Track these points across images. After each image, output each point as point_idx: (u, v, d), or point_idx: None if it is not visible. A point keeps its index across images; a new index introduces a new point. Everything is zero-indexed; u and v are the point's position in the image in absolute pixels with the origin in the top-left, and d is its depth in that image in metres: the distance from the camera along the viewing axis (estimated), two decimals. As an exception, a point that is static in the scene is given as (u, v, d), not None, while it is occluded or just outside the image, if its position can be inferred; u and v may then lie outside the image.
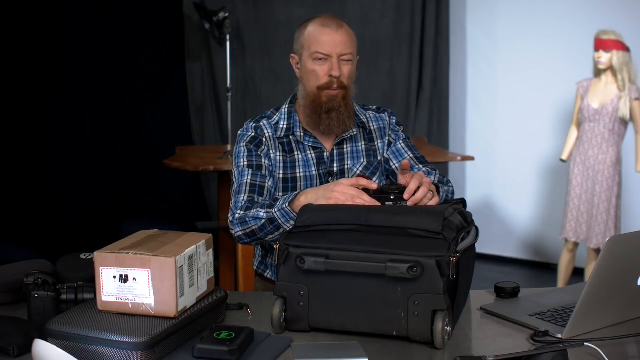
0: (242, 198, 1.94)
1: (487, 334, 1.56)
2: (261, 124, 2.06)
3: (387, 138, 2.12)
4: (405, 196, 1.68)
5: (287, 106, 2.09)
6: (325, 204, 1.70)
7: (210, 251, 1.57)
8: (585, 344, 1.41)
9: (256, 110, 5.05)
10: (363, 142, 2.09)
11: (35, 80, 4.53)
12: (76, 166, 4.76)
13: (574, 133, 4.37)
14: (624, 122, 4.15)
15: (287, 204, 1.82)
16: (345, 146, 2.07)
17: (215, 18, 4.72)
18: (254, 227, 1.89)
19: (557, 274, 4.46)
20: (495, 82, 5.39)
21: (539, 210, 5.27)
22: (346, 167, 2.06)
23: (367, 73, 5.26)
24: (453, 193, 2.08)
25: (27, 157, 4.57)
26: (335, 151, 2.06)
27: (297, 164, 2.03)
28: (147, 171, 4.85)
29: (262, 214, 1.87)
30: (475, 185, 5.56)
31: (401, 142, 2.12)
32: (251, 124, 2.06)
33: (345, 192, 1.73)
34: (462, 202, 1.75)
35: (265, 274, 2.10)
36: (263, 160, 2.00)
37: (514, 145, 5.31)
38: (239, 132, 2.07)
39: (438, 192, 1.83)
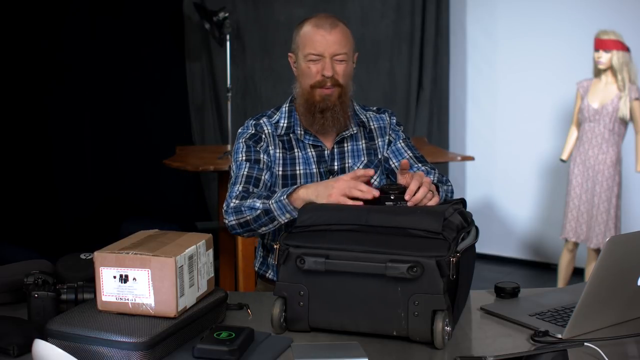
0: (237, 188, 1.95)
1: (487, 334, 1.56)
2: (261, 121, 2.07)
3: (387, 137, 2.12)
4: (407, 197, 1.68)
5: (287, 105, 2.10)
6: (326, 204, 1.70)
7: (210, 251, 1.57)
8: (585, 344, 1.41)
9: (256, 110, 5.04)
10: (363, 141, 2.09)
11: (35, 80, 4.53)
12: (76, 166, 4.76)
13: (574, 133, 4.37)
14: (624, 122, 4.15)
15: (284, 197, 1.81)
16: (345, 144, 2.07)
17: (215, 18, 4.72)
18: (248, 217, 1.88)
19: (557, 274, 4.46)
20: (495, 82, 5.39)
21: (539, 210, 5.27)
22: (347, 165, 2.06)
23: (367, 73, 5.25)
24: (452, 192, 2.08)
25: (27, 157, 4.56)
26: (335, 149, 2.06)
27: (297, 161, 2.03)
28: (147, 171, 4.84)
29: (258, 204, 1.86)
30: (475, 185, 5.56)
31: (401, 141, 2.12)
32: (251, 122, 2.07)
33: (344, 187, 1.72)
34: (462, 202, 1.75)
35: (267, 275, 2.10)
36: (261, 156, 2.01)
37: (514, 145, 5.31)
38: (239, 131, 2.08)
39: (438, 191, 1.83)
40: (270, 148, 2.03)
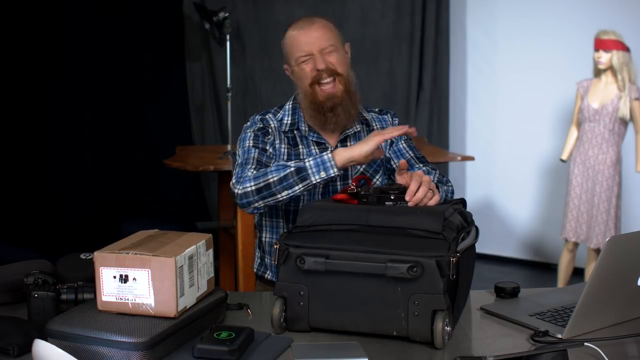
0: (249, 166, 1.91)
1: (487, 334, 1.56)
2: (267, 116, 2.08)
3: None
4: (407, 197, 1.68)
5: (290, 103, 2.10)
6: (326, 204, 1.70)
7: (210, 251, 1.57)
8: (585, 344, 1.41)
9: (256, 110, 4.99)
10: None
11: (35, 80, 4.53)
12: (76, 166, 4.76)
13: (574, 133, 4.37)
14: (624, 122, 4.15)
15: (327, 153, 1.82)
16: (349, 143, 2.07)
17: (215, 18, 4.72)
18: (272, 179, 1.82)
19: (557, 274, 4.46)
20: (495, 82, 5.39)
21: (539, 210, 5.27)
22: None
23: (367, 73, 5.26)
24: (453, 193, 2.08)
25: (27, 157, 4.56)
26: (339, 147, 2.06)
27: (301, 157, 2.03)
28: (147, 171, 4.85)
29: (289, 163, 1.84)
30: (475, 185, 5.56)
31: (402, 142, 2.12)
32: (257, 117, 2.08)
33: (378, 137, 1.80)
34: (462, 202, 1.75)
35: (266, 276, 2.10)
36: (268, 147, 2.01)
37: (514, 145, 5.31)
38: (245, 125, 2.08)
39: (437, 190, 1.83)
40: (276, 142, 2.04)
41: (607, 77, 4.17)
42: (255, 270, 2.14)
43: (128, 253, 1.41)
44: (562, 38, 4.96)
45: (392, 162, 2.10)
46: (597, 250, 4.19)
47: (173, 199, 5.07)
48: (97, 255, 1.43)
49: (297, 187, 1.83)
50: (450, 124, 5.57)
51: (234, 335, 1.39)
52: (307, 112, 2.05)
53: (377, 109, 2.18)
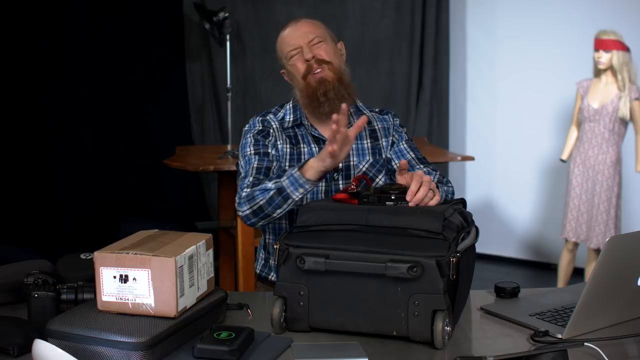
0: (247, 180, 1.94)
1: (487, 334, 1.56)
2: (267, 117, 2.09)
3: (390, 138, 2.12)
4: (408, 197, 1.68)
5: (291, 102, 2.11)
6: (326, 204, 1.70)
7: (210, 251, 1.56)
8: (585, 344, 1.41)
9: (256, 110, 5.04)
10: (368, 140, 2.10)
11: (35, 80, 4.53)
12: (76, 166, 4.76)
13: (574, 133, 4.37)
14: (624, 122, 4.15)
15: (296, 170, 1.81)
16: None
17: (215, 18, 4.72)
18: (261, 202, 1.86)
19: (557, 274, 4.46)
20: (495, 82, 5.39)
21: (539, 210, 5.27)
22: (352, 163, 2.06)
23: (367, 73, 5.26)
24: (453, 194, 2.08)
25: (27, 157, 4.56)
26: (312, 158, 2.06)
27: (302, 156, 2.03)
28: (147, 171, 4.84)
29: (270, 185, 1.85)
30: (475, 185, 5.56)
31: (404, 142, 2.13)
32: (258, 118, 2.09)
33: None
34: (462, 202, 1.75)
35: (270, 277, 2.09)
36: (270, 149, 2.02)
37: (514, 145, 5.31)
38: (245, 128, 2.09)
39: (438, 191, 1.82)
40: (278, 142, 2.04)
41: (607, 77, 4.17)
42: (258, 271, 2.13)
43: (128, 253, 1.41)
44: (562, 38, 4.96)
45: (393, 163, 2.10)
46: (597, 250, 4.19)
47: (173, 199, 5.07)
48: (97, 255, 1.43)
49: (285, 205, 1.85)
50: (450, 124, 5.57)
51: (234, 335, 1.39)
52: (304, 107, 2.06)
53: (377, 109, 2.18)
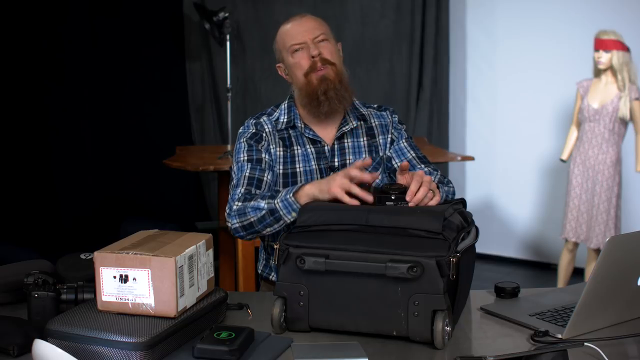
0: (239, 190, 1.94)
1: (487, 334, 1.56)
2: (261, 120, 2.07)
3: (389, 135, 2.11)
4: (408, 198, 1.68)
5: (286, 102, 2.10)
6: (326, 204, 1.70)
7: (210, 251, 1.56)
8: (585, 344, 1.41)
9: (256, 110, 5.00)
10: (365, 138, 2.09)
11: (35, 80, 4.53)
12: (76, 166, 4.76)
13: (574, 133, 4.37)
14: (624, 122, 4.15)
15: (290, 195, 1.81)
16: (346, 140, 2.07)
17: (215, 18, 4.72)
18: (252, 219, 1.87)
19: (557, 274, 4.46)
20: (495, 82, 5.39)
21: (539, 210, 5.27)
22: (348, 161, 2.05)
23: (367, 73, 5.26)
24: (454, 194, 2.07)
25: (27, 157, 4.56)
26: (336, 145, 2.05)
27: (296, 158, 2.03)
28: (147, 171, 4.85)
29: (262, 204, 1.85)
30: (475, 185, 5.56)
31: (403, 141, 2.12)
32: (251, 121, 2.07)
33: (342, 182, 1.71)
34: (462, 202, 1.75)
35: (270, 277, 2.09)
36: (263, 155, 2.01)
37: (514, 145, 5.31)
38: (240, 130, 2.08)
39: (438, 189, 1.82)
40: (271, 147, 2.03)
41: (607, 77, 4.17)
42: (260, 271, 2.13)
43: (128, 253, 1.41)
44: (562, 38, 4.96)
45: (393, 162, 2.09)
46: (597, 250, 4.19)
47: (173, 199, 5.07)
48: (97, 255, 1.43)
49: (276, 225, 1.85)
50: (450, 124, 5.57)
51: (234, 335, 1.39)
52: (302, 106, 2.05)
53: (375, 105, 2.17)
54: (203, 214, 5.12)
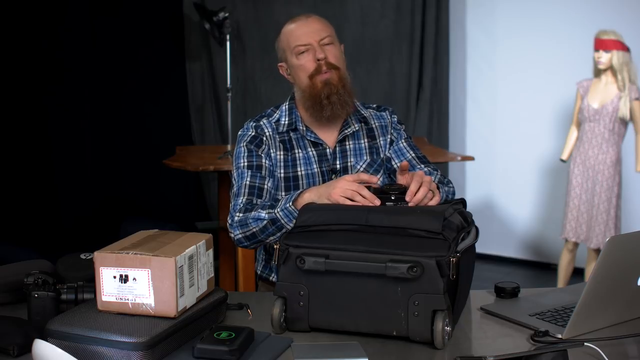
0: (240, 200, 1.93)
1: (487, 334, 1.56)
2: (261, 123, 2.05)
3: (389, 136, 2.11)
4: (408, 198, 1.68)
5: (287, 103, 2.08)
6: (326, 204, 1.70)
7: (210, 251, 1.56)
8: (585, 344, 1.41)
9: (256, 110, 5.05)
10: (365, 140, 2.08)
11: (35, 80, 4.53)
12: (76, 166, 4.76)
13: (574, 133, 4.37)
14: (624, 122, 4.15)
15: (290, 203, 1.81)
16: (347, 143, 2.06)
17: (215, 18, 4.72)
18: (254, 229, 1.87)
19: (557, 274, 4.46)
20: (495, 82, 5.39)
21: (539, 210, 5.27)
22: (349, 164, 2.05)
23: (367, 73, 5.25)
24: (454, 194, 2.07)
25: (27, 157, 4.56)
26: (337, 148, 2.05)
27: (298, 162, 2.02)
28: (147, 171, 4.85)
29: (263, 214, 1.85)
30: (475, 185, 5.56)
31: (403, 141, 2.11)
32: (251, 124, 2.05)
33: (346, 188, 1.72)
34: (462, 202, 1.75)
35: (271, 278, 2.08)
36: (263, 161, 1.99)
37: (514, 145, 5.31)
38: (239, 133, 2.06)
39: (438, 190, 1.83)
40: (271, 151, 2.01)
41: (607, 77, 4.17)
42: (259, 272, 2.12)
43: (128, 253, 1.41)
44: (562, 38, 4.96)
45: (393, 162, 2.09)
46: (597, 250, 4.19)
47: (173, 199, 5.07)
48: (97, 255, 1.43)
49: (279, 234, 1.85)
50: (450, 124, 5.57)
51: (234, 335, 1.39)
52: (304, 108, 2.03)
53: (374, 105, 2.16)
54: (203, 214, 5.12)
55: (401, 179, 1.80)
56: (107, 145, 4.87)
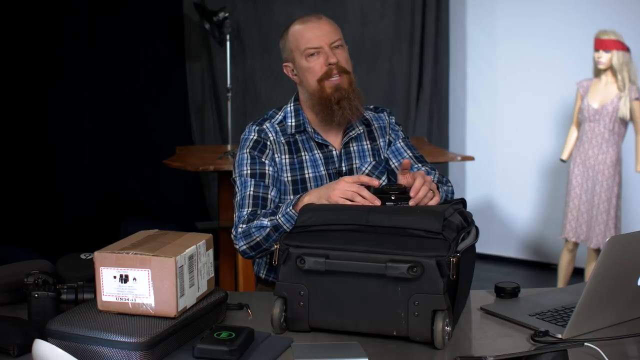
0: (244, 212, 1.92)
1: (487, 334, 1.56)
2: (264, 126, 2.02)
3: (387, 137, 2.11)
4: (412, 194, 1.68)
5: (292, 104, 2.06)
6: (326, 204, 1.70)
7: (210, 251, 1.56)
8: (585, 344, 1.41)
9: (256, 110, 5.06)
10: (367, 142, 2.08)
11: (35, 80, 4.53)
12: (76, 166, 4.76)
13: (574, 133, 4.37)
14: (624, 122, 4.15)
15: (290, 208, 1.80)
16: (351, 145, 2.06)
17: (215, 18, 4.72)
18: (258, 239, 1.86)
19: (557, 274, 4.46)
20: (495, 82, 5.39)
21: (539, 210, 5.27)
22: (354, 166, 2.04)
23: (367, 73, 5.25)
24: (453, 193, 2.07)
25: (27, 157, 4.56)
26: (342, 150, 2.05)
27: (304, 164, 2.00)
28: (147, 171, 4.84)
29: (265, 222, 1.85)
30: (475, 185, 5.56)
31: (400, 141, 2.11)
32: (254, 127, 2.02)
33: (346, 189, 1.72)
34: (462, 202, 1.75)
35: (270, 279, 2.07)
36: (267, 168, 1.97)
37: (514, 145, 5.31)
38: (242, 137, 2.03)
39: (438, 190, 1.83)
40: (276, 155, 1.99)
41: (607, 77, 4.17)
42: (262, 276, 2.09)
43: (128, 253, 1.41)
44: (562, 38, 4.96)
45: (391, 162, 2.09)
46: (597, 250, 4.19)
47: (173, 199, 5.07)
48: (97, 255, 1.43)
49: None
50: (450, 124, 5.57)
51: (234, 335, 1.39)
52: (311, 111, 2.01)
53: (372, 107, 2.15)
54: (203, 214, 5.12)
55: (402, 179, 1.80)
56: (107, 145, 4.87)
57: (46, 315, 1.49)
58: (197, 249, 1.50)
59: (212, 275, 1.57)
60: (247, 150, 1.99)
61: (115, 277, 1.42)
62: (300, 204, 1.77)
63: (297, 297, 1.52)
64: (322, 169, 2.01)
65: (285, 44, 2.03)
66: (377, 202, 1.68)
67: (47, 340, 1.34)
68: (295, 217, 1.77)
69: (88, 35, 4.72)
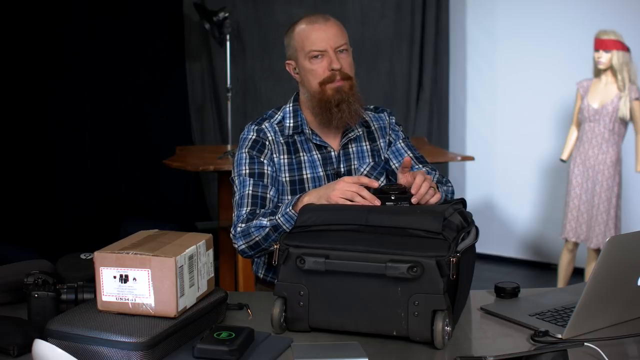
0: (243, 211, 1.92)
1: (487, 334, 1.56)
2: (263, 126, 2.02)
3: (387, 137, 2.11)
4: (413, 190, 1.69)
5: (291, 105, 2.05)
6: (326, 204, 1.70)
7: (210, 251, 1.56)
8: (585, 344, 1.41)
9: (256, 110, 5.06)
10: (367, 142, 2.08)
11: (35, 80, 4.53)
12: (76, 166, 4.76)
13: (574, 133, 4.37)
14: (624, 122, 4.15)
15: (290, 208, 1.80)
16: (350, 146, 2.06)
17: (215, 18, 4.72)
18: (257, 238, 1.86)
19: (557, 274, 4.46)
20: (495, 82, 5.39)
21: (539, 210, 5.27)
22: (353, 167, 2.04)
23: (367, 73, 5.25)
24: (453, 193, 2.07)
25: (27, 157, 4.56)
26: (341, 151, 2.05)
27: (303, 165, 2.00)
28: (147, 171, 4.84)
29: (265, 222, 1.84)
30: (475, 185, 5.56)
31: (400, 141, 2.11)
32: (253, 127, 2.02)
33: (346, 189, 1.72)
34: (462, 202, 1.75)
35: (268, 279, 2.07)
36: (265, 168, 1.97)
37: (514, 145, 5.31)
38: (241, 136, 2.03)
39: (438, 190, 1.82)
40: (274, 156, 1.99)
41: (607, 77, 4.17)
42: (261, 276, 2.09)
43: (128, 253, 1.41)
44: (562, 38, 4.96)
45: (391, 163, 2.09)
46: (597, 250, 4.19)
47: (173, 199, 5.07)
48: (97, 255, 1.43)
49: None
50: (450, 124, 5.57)
51: (234, 335, 1.39)
52: (311, 112, 2.01)
53: (372, 107, 2.15)
54: (203, 214, 5.12)
55: (402, 177, 1.80)
56: (107, 145, 4.87)
57: (46, 315, 1.49)
58: (197, 249, 1.50)
59: (212, 275, 1.58)
60: (246, 149, 1.99)
61: (115, 277, 1.42)
62: (300, 204, 1.77)
63: (297, 297, 1.52)
64: (320, 169, 2.01)
65: (289, 41, 2.02)
66: (377, 202, 1.68)
67: (47, 340, 1.35)
68: (295, 218, 1.76)
69: (88, 35, 4.72)
